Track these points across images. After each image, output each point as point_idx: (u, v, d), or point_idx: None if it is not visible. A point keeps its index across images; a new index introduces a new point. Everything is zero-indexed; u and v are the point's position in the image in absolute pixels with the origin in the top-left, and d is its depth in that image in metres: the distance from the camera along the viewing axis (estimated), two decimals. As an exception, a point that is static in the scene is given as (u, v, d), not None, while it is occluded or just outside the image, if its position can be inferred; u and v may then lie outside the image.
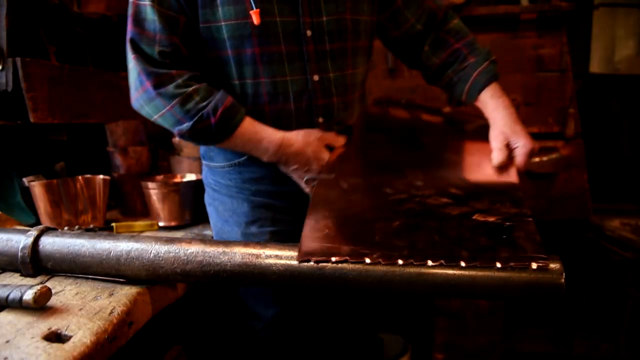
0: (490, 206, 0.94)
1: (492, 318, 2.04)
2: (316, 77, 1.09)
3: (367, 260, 0.77)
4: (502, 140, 1.09)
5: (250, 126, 1.06)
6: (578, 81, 2.64)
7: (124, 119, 1.70)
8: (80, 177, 1.35)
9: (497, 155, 1.08)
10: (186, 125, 1.01)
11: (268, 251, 0.82)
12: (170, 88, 1.01)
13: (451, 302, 2.07)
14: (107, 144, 1.63)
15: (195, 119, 1.01)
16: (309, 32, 1.06)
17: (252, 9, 1.00)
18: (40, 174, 1.56)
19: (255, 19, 1.00)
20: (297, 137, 1.08)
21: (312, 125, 1.13)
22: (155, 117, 1.05)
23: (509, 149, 1.08)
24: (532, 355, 2.50)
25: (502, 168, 1.08)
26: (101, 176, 1.40)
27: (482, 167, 1.09)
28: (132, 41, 1.03)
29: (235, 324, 1.40)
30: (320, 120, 1.13)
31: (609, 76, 3.00)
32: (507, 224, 0.85)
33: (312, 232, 0.85)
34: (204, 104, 1.01)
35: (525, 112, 2.35)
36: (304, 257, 0.79)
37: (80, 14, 1.73)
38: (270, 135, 1.07)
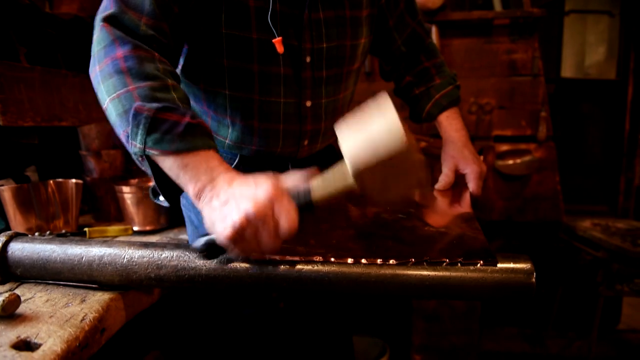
0: (444, 222, 1.00)
1: (468, 318, 2.07)
2: (309, 104, 1.08)
3: (319, 259, 0.78)
4: (450, 165, 1.15)
5: (213, 154, 0.78)
6: (550, 85, 2.71)
7: (97, 122, 1.67)
8: (51, 182, 1.32)
9: (444, 179, 1.15)
10: (149, 106, 0.75)
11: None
12: (148, 68, 0.80)
13: (428, 303, 2.10)
14: (79, 148, 1.60)
15: (164, 105, 0.76)
16: (308, 59, 1.03)
17: (275, 36, 0.95)
18: (10, 178, 1.52)
19: (279, 48, 0.95)
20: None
21: (297, 146, 1.13)
22: (108, 100, 0.79)
23: (458, 173, 1.15)
24: (508, 354, 2.54)
25: (457, 195, 1.14)
26: (73, 180, 1.37)
27: (440, 194, 1.16)
28: (115, 8, 0.83)
29: (212, 324, 1.39)
30: (306, 143, 1.13)
31: (579, 80, 3.09)
32: (459, 235, 0.90)
33: None
34: (181, 104, 0.80)
35: (499, 115, 2.40)
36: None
37: (52, 15, 1.70)
38: (223, 162, 0.79)
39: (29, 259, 0.86)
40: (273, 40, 0.95)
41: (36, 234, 1.22)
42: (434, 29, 2.31)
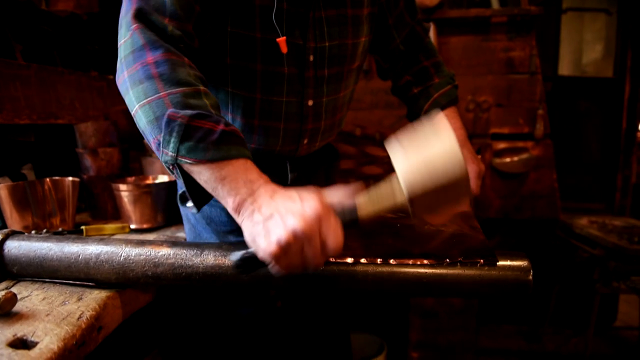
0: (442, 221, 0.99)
1: (465, 316, 2.07)
2: (310, 103, 1.07)
3: None
4: None
5: (250, 165, 0.77)
6: (548, 83, 2.71)
7: (94, 120, 1.66)
8: (48, 180, 1.32)
9: None
10: (183, 112, 0.73)
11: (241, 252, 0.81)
12: (180, 74, 0.78)
13: (425, 300, 2.10)
14: (76, 145, 1.59)
15: (198, 112, 0.74)
16: (311, 57, 1.02)
17: (279, 35, 0.93)
18: (7, 176, 1.52)
19: (283, 47, 0.94)
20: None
21: (297, 145, 1.12)
22: (137, 106, 0.78)
23: None
24: (504, 351, 2.54)
25: None
26: (70, 178, 1.37)
27: None
28: (138, 11, 0.81)
29: (211, 323, 1.39)
30: (305, 141, 1.13)
31: (577, 78, 3.09)
32: (458, 234, 0.90)
33: None
34: (214, 111, 0.78)
35: (496, 113, 2.40)
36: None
37: (48, 12, 1.69)
38: (262, 174, 0.77)
39: (25, 257, 0.86)
40: (277, 40, 0.93)
41: (33, 232, 1.22)
42: (431, 27, 2.31)
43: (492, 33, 2.36)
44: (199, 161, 0.73)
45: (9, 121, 1.40)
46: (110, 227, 1.34)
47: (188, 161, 0.73)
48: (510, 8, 2.33)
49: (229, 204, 0.73)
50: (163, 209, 1.41)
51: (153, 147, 0.78)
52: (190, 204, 0.84)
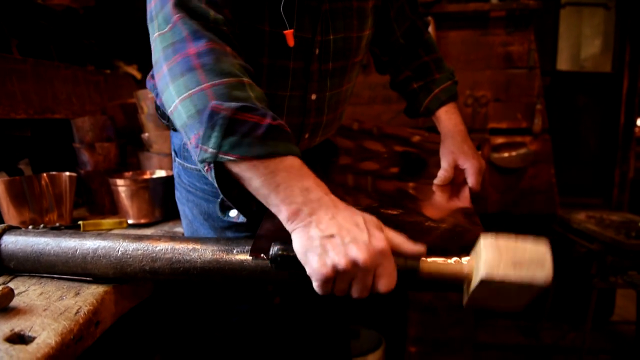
0: (442, 217, 0.99)
1: (463, 311, 2.08)
2: (314, 97, 1.06)
3: None
4: (449, 160, 1.14)
5: (300, 163, 0.72)
6: (546, 78, 2.71)
7: (90, 115, 1.65)
8: (45, 175, 1.31)
9: (443, 174, 1.14)
10: (227, 105, 0.68)
11: (239, 247, 0.81)
12: (223, 64, 0.73)
13: (424, 296, 2.10)
14: (73, 140, 1.59)
15: (243, 105, 0.69)
16: (317, 51, 1.00)
17: (286, 27, 0.90)
18: (3, 172, 1.51)
19: (290, 41, 0.90)
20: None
21: (298, 139, 1.11)
22: (177, 101, 0.73)
23: (457, 169, 1.14)
24: (502, 346, 2.55)
25: (456, 190, 1.13)
26: (67, 173, 1.36)
27: (438, 189, 1.15)
28: (180, 3, 0.77)
29: (210, 320, 1.39)
30: (307, 136, 1.12)
31: (575, 73, 3.09)
32: (458, 229, 0.90)
33: (267, 232, 0.81)
34: (259, 104, 0.72)
35: (494, 108, 2.40)
36: (255, 252, 0.75)
37: (44, 6, 1.68)
38: (319, 181, 0.72)
39: (22, 252, 0.85)
40: (284, 32, 0.90)
41: (30, 227, 1.22)
42: (431, 22, 2.30)
43: (490, 27, 2.36)
44: (243, 158, 0.67)
45: (5, 116, 1.40)
46: (107, 222, 1.33)
47: (231, 158, 0.67)
48: (509, 2, 2.32)
49: (282, 212, 0.69)
50: (160, 204, 1.40)
51: (192, 145, 0.71)
52: (233, 213, 0.79)
